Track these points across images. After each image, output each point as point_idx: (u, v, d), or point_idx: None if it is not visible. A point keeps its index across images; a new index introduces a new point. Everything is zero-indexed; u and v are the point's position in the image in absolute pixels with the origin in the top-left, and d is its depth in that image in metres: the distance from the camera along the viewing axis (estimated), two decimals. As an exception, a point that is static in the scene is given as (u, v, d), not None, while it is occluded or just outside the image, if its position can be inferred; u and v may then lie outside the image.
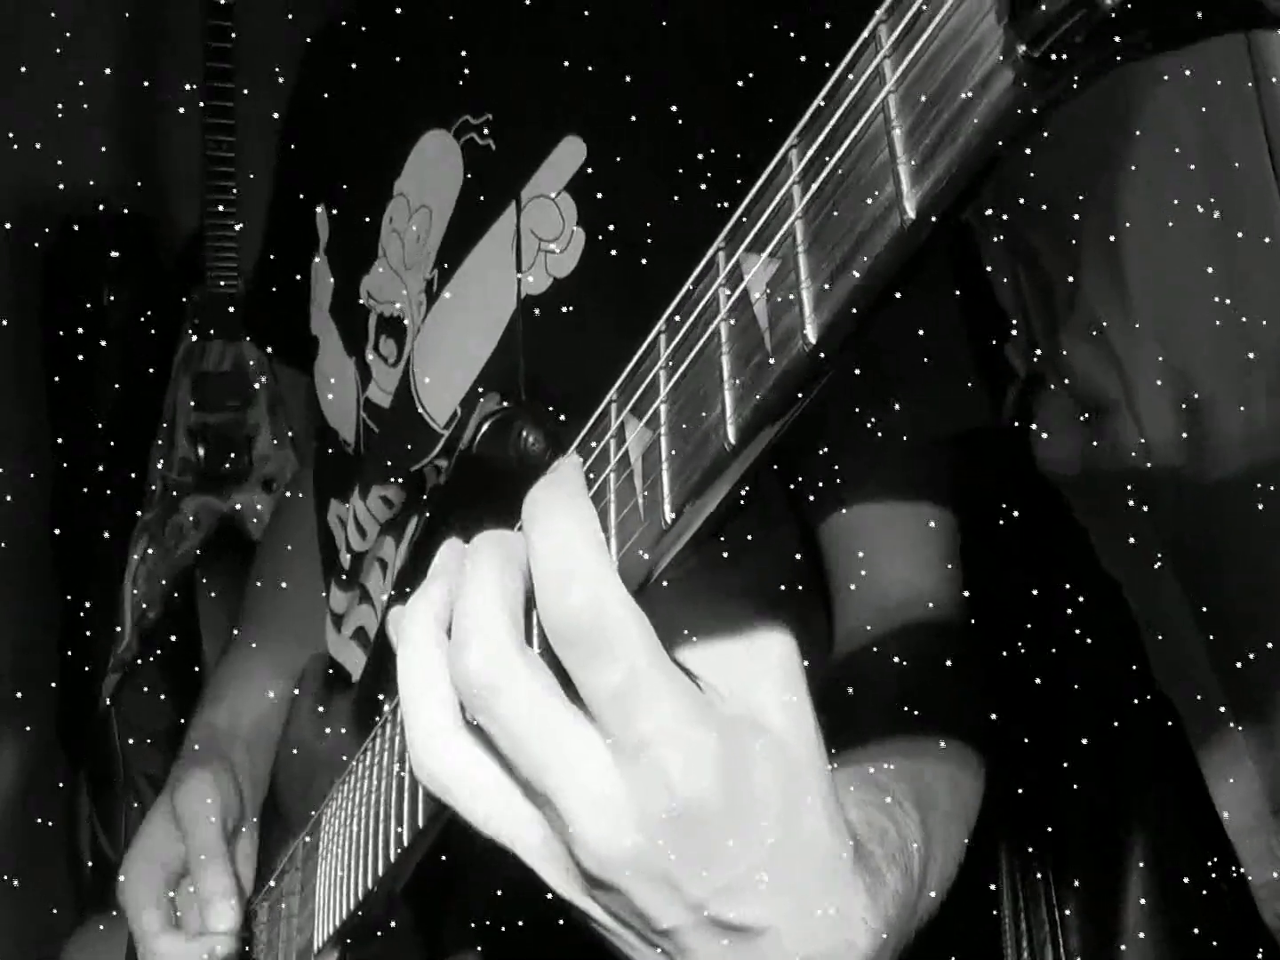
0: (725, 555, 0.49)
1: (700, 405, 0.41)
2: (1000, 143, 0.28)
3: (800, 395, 0.36)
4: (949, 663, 0.86)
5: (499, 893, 0.90)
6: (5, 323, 2.15)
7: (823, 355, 0.34)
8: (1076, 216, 1.09)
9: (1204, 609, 1.03)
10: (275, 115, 1.29)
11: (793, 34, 0.89)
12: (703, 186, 0.91)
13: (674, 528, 0.43)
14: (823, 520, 0.93)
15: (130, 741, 2.14)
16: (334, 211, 1.15)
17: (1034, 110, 0.27)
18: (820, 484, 0.90)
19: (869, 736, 0.74)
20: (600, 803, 0.48)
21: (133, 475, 2.21)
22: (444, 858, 0.72)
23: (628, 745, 0.47)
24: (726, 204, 0.88)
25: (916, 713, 0.79)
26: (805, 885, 0.51)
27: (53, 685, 2.26)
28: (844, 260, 0.32)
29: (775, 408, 0.37)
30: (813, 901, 0.51)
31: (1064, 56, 0.26)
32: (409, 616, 0.54)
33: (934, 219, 0.30)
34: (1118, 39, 0.25)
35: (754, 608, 0.52)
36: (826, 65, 0.84)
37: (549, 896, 0.55)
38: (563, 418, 0.76)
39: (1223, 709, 1.02)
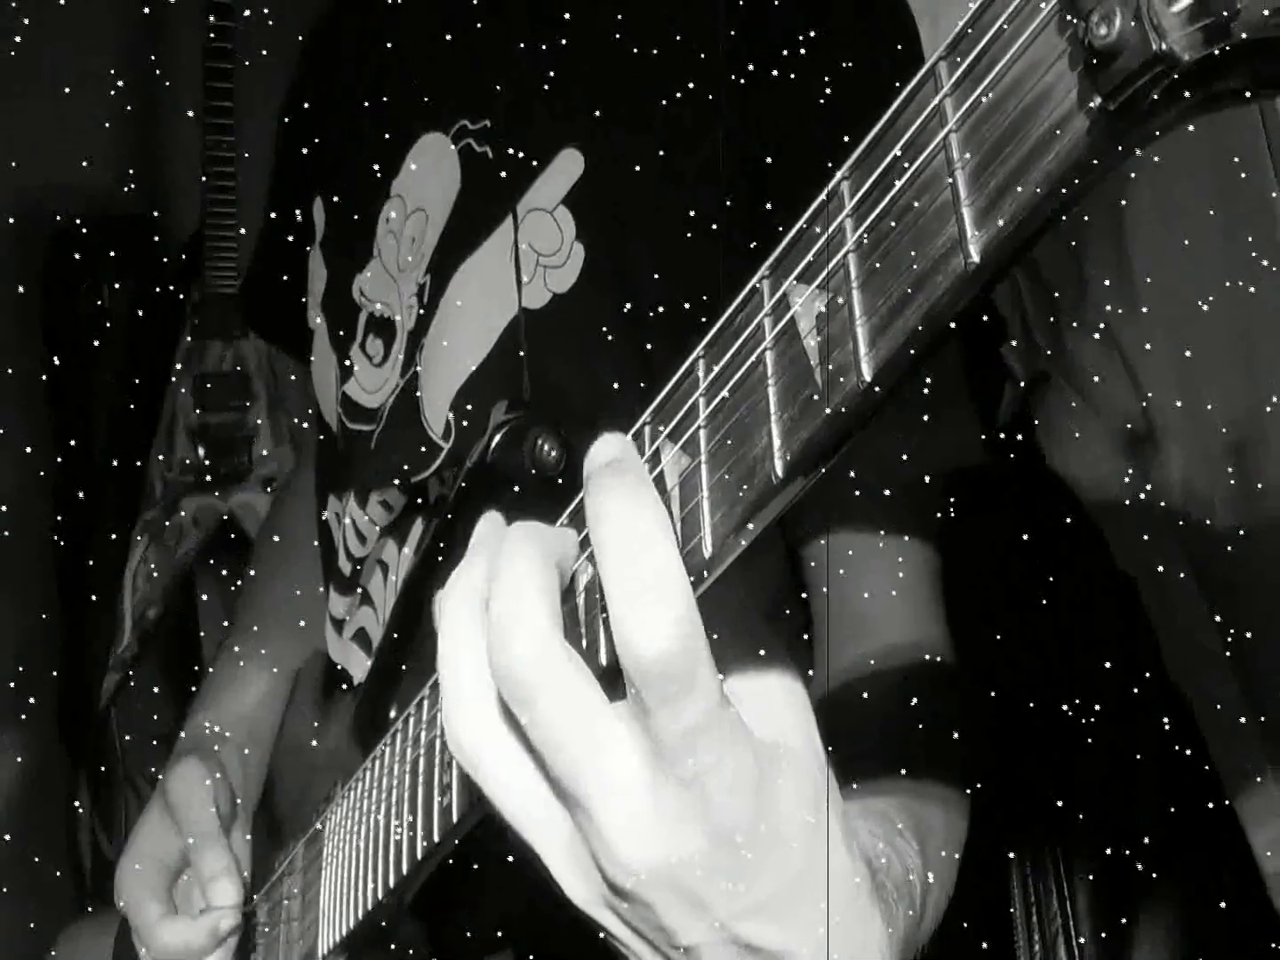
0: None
1: (744, 436, 0.41)
2: (1069, 189, 0.28)
3: (851, 431, 0.36)
4: (935, 696, 0.86)
5: (508, 905, 0.91)
6: (5, 323, 2.15)
7: (877, 393, 0.34)
8: (1083, 217, 1.09)
9: (1220, 605, 1.03)
10: (275, 114, 1.29)
11: (795, 52, 0.90)
12: (702, 201, 0.91)
13: (714, 557, 0.43)
14: (806, 545, 0.93)
15: (130, 741, 2.14)
16: (331, 205, 1.15)
17: (1107, 159, 0.27)
18: (807, 509, 0.90)
19: (866, 770, 0.74)
20: (635, 816, 0.47)
21: (133, 475, 2.20)
22: (455, 869, 0.72)
23: (681, 773, 0.46)
24: (725, 219, 0.89)
25: (909, 747, 0.79)
26: (826, 915, 0.50)
27: (53, 685, 2.26)
28: (901, 300, 0.32)
29: (826, 443, 0.36)
30: (835, 932, 0.51)
31: (1141, 109, 0.26)
32: (448, 596, 0.52)
33: (997, 262, 0.30)
34: (1195, 93, 0.25)
35: (773, 632, 0.52)
36: (828, 86, 0.85)
37: (564, 904, 0.54)
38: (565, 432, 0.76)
39: (1237, 702, 1.02)
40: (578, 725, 0.47)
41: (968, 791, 0.83)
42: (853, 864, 0.52)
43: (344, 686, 1.09)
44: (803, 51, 0.90)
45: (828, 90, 0.86)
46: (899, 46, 0.92)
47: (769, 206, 0.89)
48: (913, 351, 0.33)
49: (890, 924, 0.56)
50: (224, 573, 2.17)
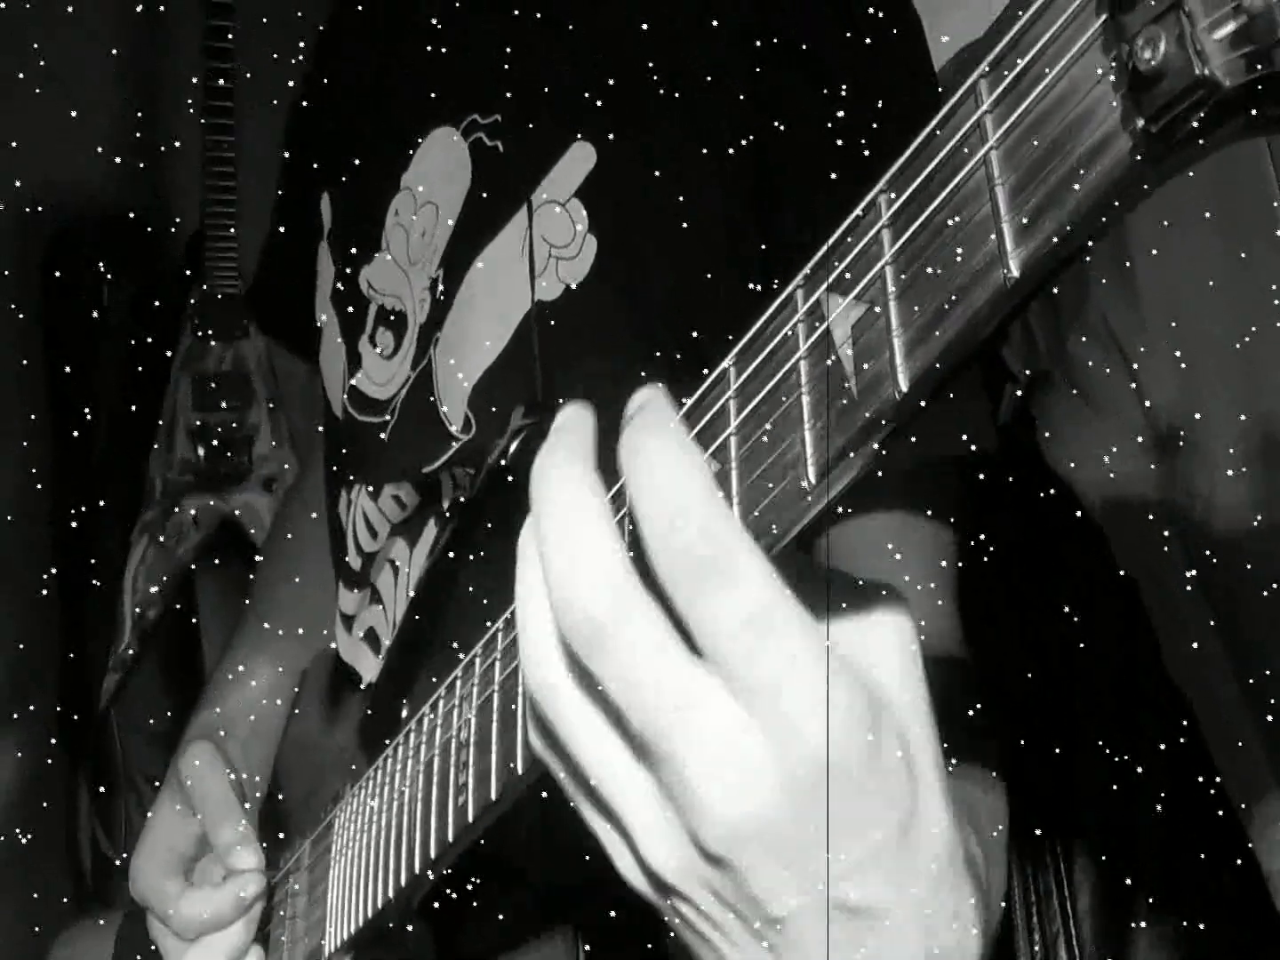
0: None
1: (775, 443, 0.41)
2: (1109, 208, 0.29)
3: (885, 439, 0.37)
4: (954, 679, 0.86)
5: (517, 905, 0.91)
6: (5, 323, 2.15)
7: (913, 403, 0.35)
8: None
9: (1220, 606, 1.04)
10: (275, 114, 1.30)
11: (807, 46, 0.90)
12: (715, 192, 0.92)
13: None
14: (822, 531, 0.94)
15: (130, 741, 2.15)
16: (339, 200, 1.15)
17: (1148, 180, 0.28)
18: None
19: None
20: (729, 760, 0.43)
21: (133, 475, 2.20)
22: (463, 870, 0.72)
23: (756, 685, 0.42)
24: (734, 214, 0.90)
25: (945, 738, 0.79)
26: (924, 875, 0.47)
27: (53, 685, 2.26)
28: (940, 312, 0.33)
29: (859, 451, 0.37)
30: (932, 893, 0.47)
31: (1183, 132, 0.26)
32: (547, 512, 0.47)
33: (1036, 278, 0.30)
34: (1237, 117, 0.26)
35: (873, 583, 0.49)
36: (842, 80, 0.86)
37: (634, 889, 0.50)
38: None
39: (1237, 701, 1.03)
40: (657, 670, 0.43)
41: (1001, 774, 0.82)
42: (950, 825, 0.48)
43: (352, 686, 1.10)
44: (812, 50, 0.91)
45: (836, 90, 0.87)
46: (905, 48, 0.93)
47: (777, 201, 0.90)
48: (949, 363, 0.33)
49: (981, 901, 0.51)
50: (224, 573, 2.18)
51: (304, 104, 1.25)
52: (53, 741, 2.25)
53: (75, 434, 2.24)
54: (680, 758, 0.43)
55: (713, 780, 0.43)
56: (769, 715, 0.42)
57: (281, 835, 1.10)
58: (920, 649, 0.48)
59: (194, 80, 2.14)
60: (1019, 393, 1.24)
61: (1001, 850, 0.75)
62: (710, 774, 0.43)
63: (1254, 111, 0.26)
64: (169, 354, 2.21)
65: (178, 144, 2.31)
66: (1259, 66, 0.25)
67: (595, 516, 0.44)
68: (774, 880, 0.45)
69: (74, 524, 2.22)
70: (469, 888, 0.86)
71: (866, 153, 0.79)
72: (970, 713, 0.84)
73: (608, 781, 0.47)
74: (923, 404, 0.35)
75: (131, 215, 2.29)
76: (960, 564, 0.93)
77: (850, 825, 0.44)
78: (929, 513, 0.91)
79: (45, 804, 2.22)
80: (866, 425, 0.36)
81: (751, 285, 0.88)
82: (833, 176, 0.84)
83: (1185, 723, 1.05)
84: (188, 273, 2.24)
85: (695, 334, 0.91)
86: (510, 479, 0.78)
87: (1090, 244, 0.30)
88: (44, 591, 2.25)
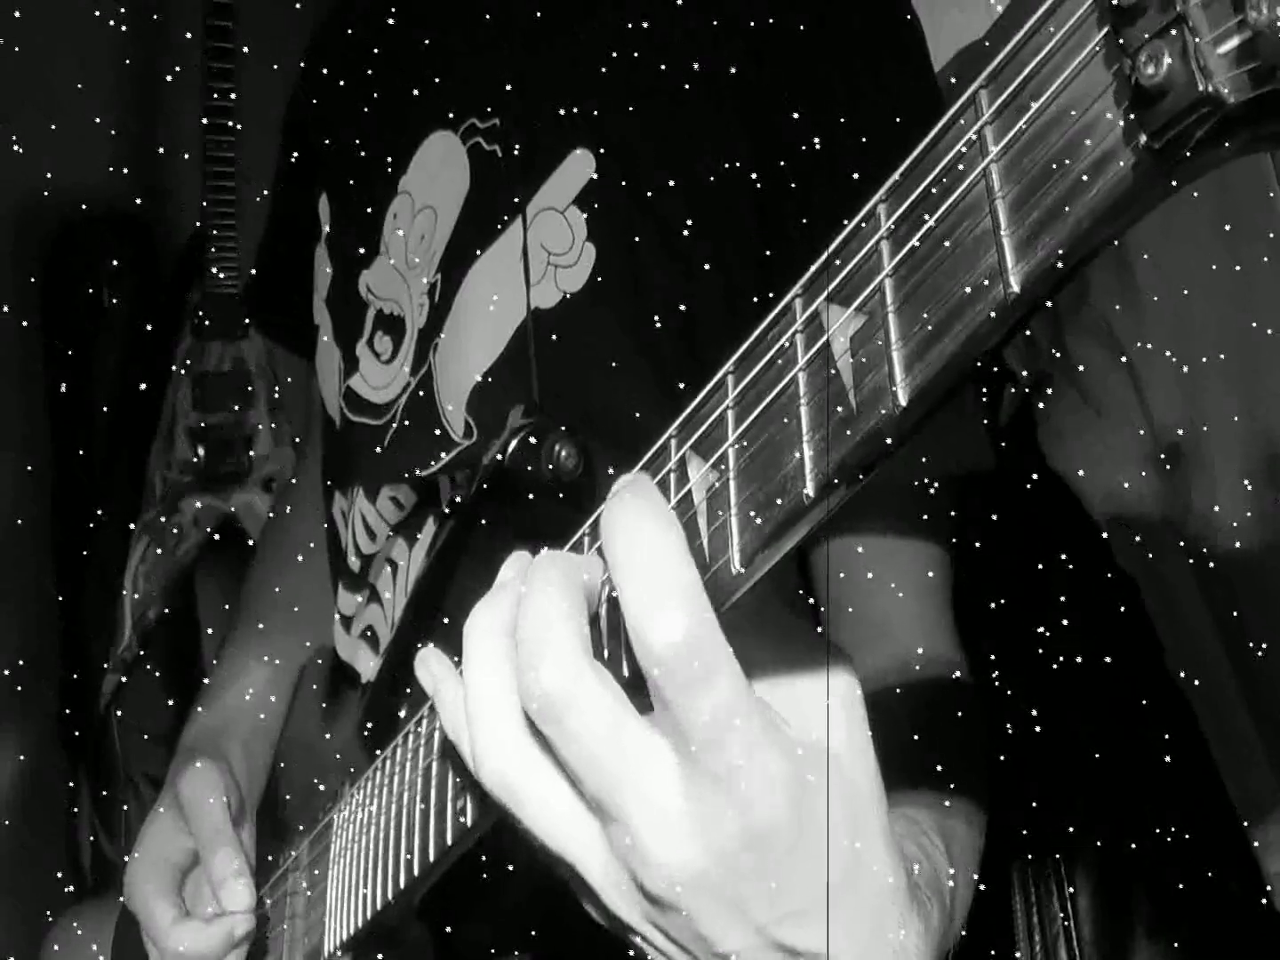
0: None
1: (775, 454, 0.41)
2: (1110, 223, 0.28)
3: (884, 453, 0.37)
4: (950, 698, 0.87)
5: (515, 908, 0.91)
6: (6, 323, 2.15)
7: (911, 416, 0.35)
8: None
9: (1221, 605, 1.03)
10: (275, 114, 1.29)
11: (808, 58, 0.90)
12: (713, 203, 0.92)
13: (742, 574, 0.44)
14: (817, 550, 0.94)
15: (130, 741, 2.14)
16: (337, 201, 1.15)
17: (1150, 195, 0.28)
18: None
19: (891, 772, 0.74)
20: (671, 822, 0.47)
21: (133, 475, 2.20)
22: (463, 872, 0.72)
23: (714, 770, 0.47)
24: (736, 220, 0.89)
25: (929, 751, 0.79)
26: (868, 915, 0.51)
27: (53, 685, 2.26)
28: (940, 326, 0.33)
29: (858, 463, 0.37)
30: (874, 931, 0.51)
31: (1186, 148, 0.26)
32: (475, 626, 0.53)
33: (1037, 292, 0.30)
34: (1241, 134, 0.26)
35: (807, 629, 0.52)
36: (840, 94, 0.86)
37: (602, 925, 0.54)
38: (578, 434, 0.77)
39: (1237, 701, 1.02)
40: (607, 738, 0.47)
41: (985, 794, 0.83)
42: (893, 866, 0.52)
43: (351, 685, 1.10)
44: (812, 60, 0.91)
45: (836, 98, 0.87)
46: (907, 55, 0.93)
47: (778, 210, 0.90)
48: (949, 378, 0.33)
49: (926, 925, 0.57)
50: (224, 573, 2.17)
51: (301, 104, 1.25)
52: (53, 742, 2.25)
53: (75, 434, 2.24)
54: (629, 813, 0.48)
55: (656, 832, 0.48)
56: (715, 791, 0.47)
57: (281, 835, 1.10)
58: (864, 704, 0.53)
59: (194, 81, 2.14)
60: (1020, 394, 1.24)
61: (973, 858, 0.78)
62: (653, 832, 0.48)
63: (1258, 128, 0.26)
64: (169, 354, 2.21)
65: (178, 144, 2.31)
66: (1264, 83, 0.25)
67: (564, 609, 0.49)
68: (717, 922, 0.49)
69: (74, 524, 2.22)
70: (469, 889, 0.86)
71: (868, 162, 0.79)
72: (961, 731, 0.84)
73: (560, 840, 0.52)
74: (922, 417, 0.35)
75: (131, 215, 2.29)
76: (954, 576, 0.94)
77: (790, 879, 0.48)
78: (924, 531, 0.91)
79: (45, 804, 2.22)
80: (865, 438, 0.36)
81: (751, 295, 0.88)
82: (834, 186, 0.84)
83: (1185, 723, 1.05)
84: (188, 272, 2.23)
85: (694, 343, 0.91)
86: (507, 478, 0.78)
87: (1092, 259, 0.29)
88: (44, 591, 2.25)
